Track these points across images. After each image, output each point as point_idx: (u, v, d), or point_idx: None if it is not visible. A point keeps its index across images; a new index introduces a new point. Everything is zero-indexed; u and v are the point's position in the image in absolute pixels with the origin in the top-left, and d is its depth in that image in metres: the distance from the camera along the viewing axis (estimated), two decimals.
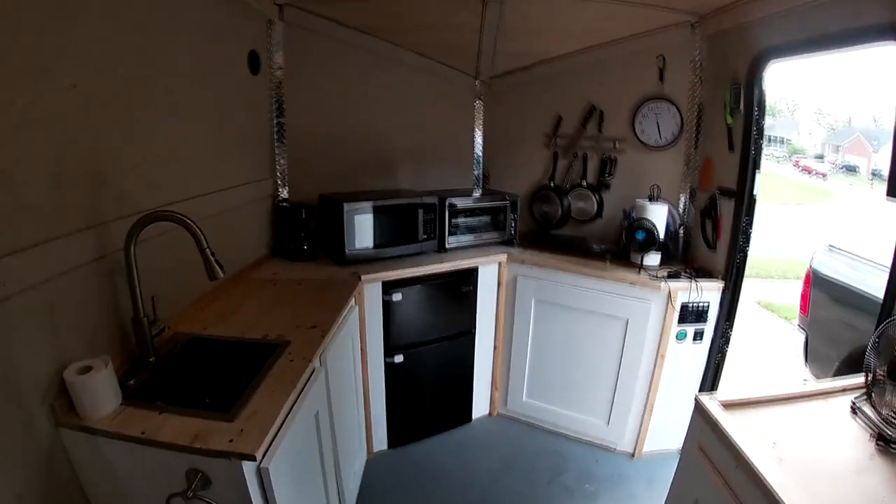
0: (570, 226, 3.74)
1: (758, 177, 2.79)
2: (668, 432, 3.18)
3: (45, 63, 1.43)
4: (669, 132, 3.29)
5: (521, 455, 3.34)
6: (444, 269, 3.14)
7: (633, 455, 3.31)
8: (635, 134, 3.40)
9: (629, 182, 3.48)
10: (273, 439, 1.49)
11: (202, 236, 1.69)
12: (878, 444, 1.45)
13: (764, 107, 2.73)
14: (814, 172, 31.53)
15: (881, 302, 1.99)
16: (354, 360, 2.75)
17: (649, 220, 3.02)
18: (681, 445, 1.79)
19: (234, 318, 2.23)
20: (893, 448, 1.43)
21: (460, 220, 3.37)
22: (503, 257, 3.34)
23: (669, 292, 2.91)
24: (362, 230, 2.97)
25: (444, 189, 3.61)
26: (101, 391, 1.47)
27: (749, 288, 3.80)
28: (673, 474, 1.88)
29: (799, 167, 34.02)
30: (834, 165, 34.56)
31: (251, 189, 2.90)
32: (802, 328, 4.20)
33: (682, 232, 3.26)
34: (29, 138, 1.39)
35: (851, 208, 19.59)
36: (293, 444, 1.64)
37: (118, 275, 1.73)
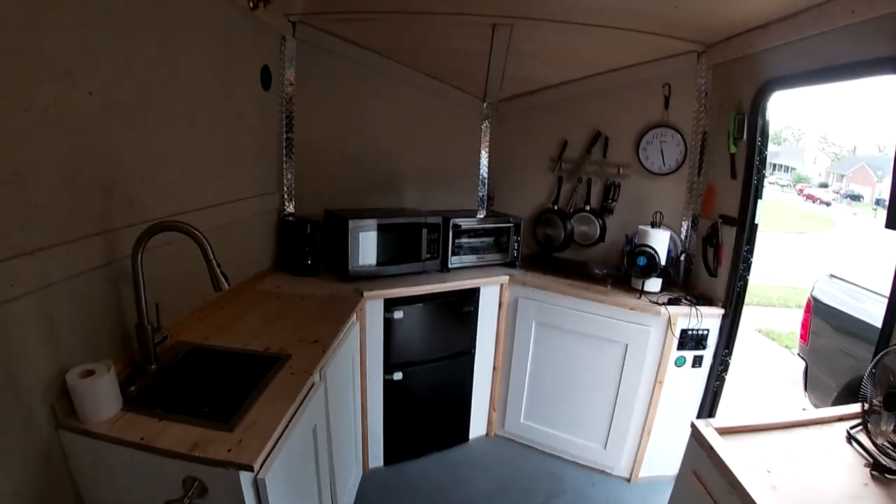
0: (573, 249, 3.76)
1: (759, 205, 2.82)
2: (665, 457, 3.17)
3: (69, 67, 1.47)
4: (673, 159, 3.32)
5: (518, 477, 3.32)
6: (446, 289, 3.15)
7: (629, 479, 3.30)
8: (639, 160, 3.43)
9: (632, 207, 3.51)
10: (271, 451, 1.50)
11: (209, 247, 1.72)
12: (872, 473, 1.45)
13: (767, 135, 2.77)
14: (818, 200, 31.60)
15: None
16: (354, 376, 2.75)
17: (651, 246, 3.03)
18: (676, 472, 1.80)
19: (237, 330, 2.24)
20: (888, 476, 1.43)
21: (464, 241, 3.40)
22: (505, 279, 3.36)
23: (669, 318, 2.92)
24: (366, 247, 2.99)
25: (448, 209, 3.65)
26: (102, 395, 1.48)
27: (750, 315, 3.81)
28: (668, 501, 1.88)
29: (803, 195, 34.11)
30: (838, 194, 34.66)
31: (258, 202, 2.93)
32: (802, 356, 4.20)
33: (683, 258, 3.28)
34: (46, 139, 1.42)
35: (854, 237, 19.61)
36: (290, 457, 1.64)
37: (124, 281, 1.75)
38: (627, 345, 3.07)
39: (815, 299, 4.12)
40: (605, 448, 3.31)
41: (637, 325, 3.02)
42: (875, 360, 1.61)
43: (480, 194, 4.03)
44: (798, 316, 4.69)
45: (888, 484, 1.42)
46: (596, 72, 3.48)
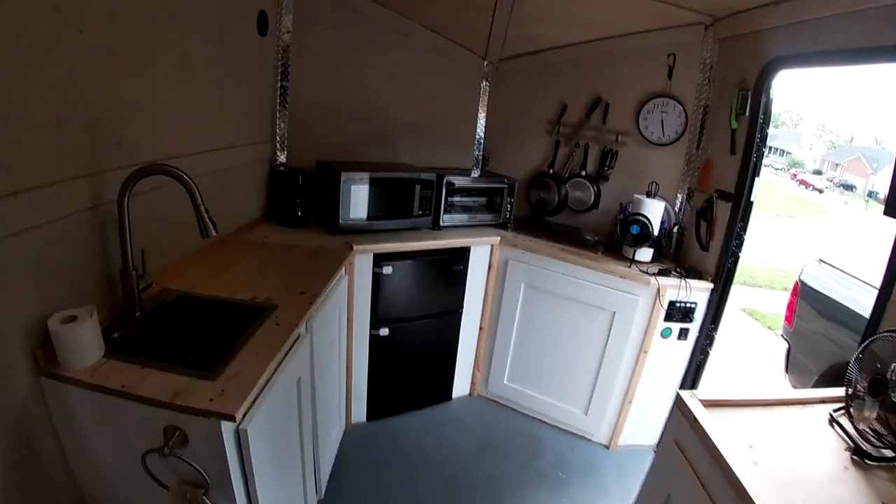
0: (566, 214, 3.73)
1: (756, 183, 2.80)
2: (644, 427, 3.23)
3: (58, 2, 1.41)
4: (673, 130, 3.28)
5: (498, 437, 3.36)
6: (436, 246, 3.13)
7: (608, 446, 3.35)
8: (639, 129, 3.38)
9: (628, 176, 3.48)
10: (254, 402, 1.48)
11: (198, 192, 1.67)
12: (853, 457, 1.46)
13: (769, 114, 2.74)
14: (811, 187, 31.71)
15: (867, 318, 2.01)
16: (340, 330, 2.74)
17: (645, 216, 3.02)
18: (655, 442, 1.81)
19: (224, 279, 2.21)
20: (868, 462, 1.44)
21: (456, 199, 3.37)
22: (496, 239, 3.34)
23: (658, 288, 2.92)
24: (358, 200, 2.95)
25: (442, 167, 3.61)
26: (84, 342, 1.45)
27: (736, 294, 3.82)
28: (646, 469, 1.90)
29: (796, 180, 34.20)
30: (831, 182, 34.77)
31: (250, 150, 2.87)
32: (786, 338, 4.24)
33: (676, 230, 3.26)
34: (32, 77, 1.36)
35: (844, 225, 19.76)
36: (273, 408, 1.63)
37: (110, 226, 1.71)
38: (615, 312, 3.08)
39: (803, 283, 4.14)
40: (587, 414, 3.35)
41: (626, 294, 3.02)
42: (863, 345, 1.62)
43: (476, 154, 3.97)
44: (783, 298, 4.72)
45: (868, 469, 1.43)
46: (601, 36, 3.40)
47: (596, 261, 3.10)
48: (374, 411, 3.31)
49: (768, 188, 25.70)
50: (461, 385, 3.70)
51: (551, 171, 3.73)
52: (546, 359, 3.42)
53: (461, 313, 3.44)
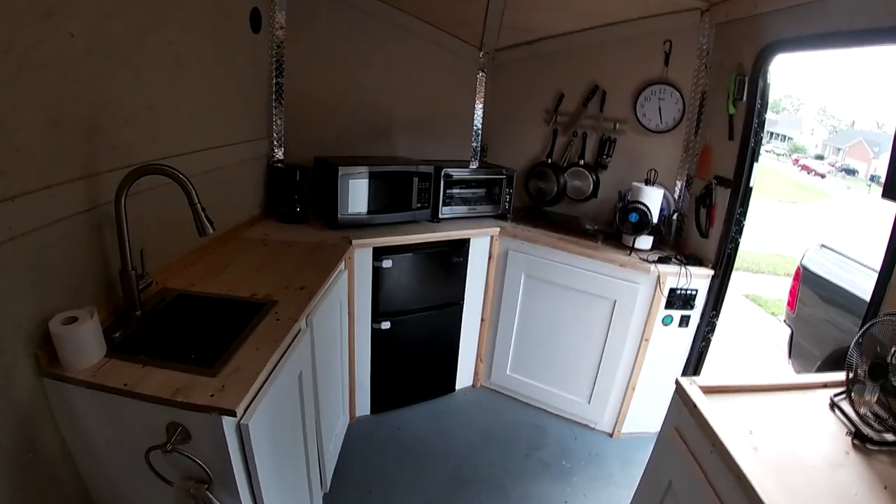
0: (565, 204, 3.73)
1: (755, 168, 2.79)
2: (647, 415, 3.23)
3: (50, 7, 1.41)
4: (671, 117, 3.27)
5: (501, 427, 3.38)
6: (436, 239, 3.13)
7: (611, 435, 3.36)
8: (637, 117, 3.37)
9: (627, 164, 3.47)
10: (255, 396, 1.50)
11: (193, 191, 1.68)
12: (854, 442, 1.46)
13: (767, 98, 2.72)
14: (813, 172, 31.56)
15: (868, 302, 2.00)
16: (341, 324, 2.75)
17: (644, 203, 3.01)
18: (659, 429, 1.81)
19: (223, 276, 2.21)
20: (869, 446, 1.44)
21: (455, 191, 3.37)
22: (496, 230, 3.34)
23: (659, 276, 2.92)
24: (356, 195, 2.95)
25: (441, 159, 3.60)
26: (85, 342, 1.46)
27: (738, 280, 3.82)
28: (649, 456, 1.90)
29: (798, 165, 34.04)
30: (833, 167, 34.61)
31: (247, 148, 2.87)
32: (788, 323, 4.23)
33: (675, 218, 3.25)
34: (26, 83, 1.36)
35: (847, 210, 19.67)
36: (275, 403, 1.64)
37: (108, 227, 1.72)
38: (616, 301, 3.08)
39: (805, 268, 4.12)
40: (590, 403, 3.35)
41: (626, 282, 3.02)
42: (863, 329, 1.61)
43: (474, 146, 3.97)
44: (786, 284, 4.71)
45: (869, 454, 1.42)
46: (597, 24, 3.38)
47: (596, 249, 3.10)
48: (378, 404, 3.32)
49: (770, 174, 25.61)
50: (464, 376, 3.71)
51: (550, 161, 3.72)
52: (548, 348, 3.42)
53: (462, 305, 3.44)
